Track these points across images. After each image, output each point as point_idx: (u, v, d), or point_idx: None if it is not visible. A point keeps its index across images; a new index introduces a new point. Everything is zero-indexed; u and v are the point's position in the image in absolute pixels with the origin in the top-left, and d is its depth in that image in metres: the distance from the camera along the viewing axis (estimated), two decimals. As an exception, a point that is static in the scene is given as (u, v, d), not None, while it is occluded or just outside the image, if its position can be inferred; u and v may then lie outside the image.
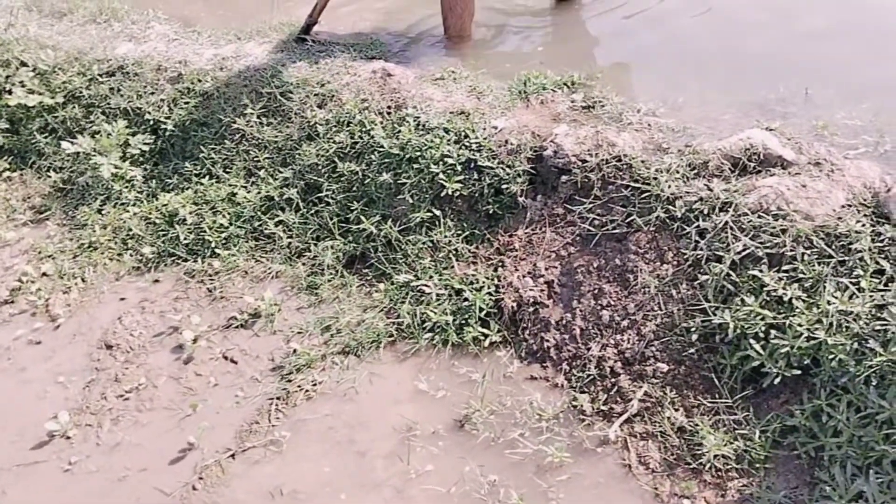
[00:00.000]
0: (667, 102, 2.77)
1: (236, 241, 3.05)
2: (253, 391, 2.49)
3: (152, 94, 3.63)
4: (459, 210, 2.78)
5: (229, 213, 3.11)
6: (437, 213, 2.76)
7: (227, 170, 3.28)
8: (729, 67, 2.98)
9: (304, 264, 2.90)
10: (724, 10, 3.45)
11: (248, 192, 3.15)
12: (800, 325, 1.97)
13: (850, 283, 1.99)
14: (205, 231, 3.08)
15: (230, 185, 3.20)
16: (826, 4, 3.31)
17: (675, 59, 3.13)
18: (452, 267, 2.66)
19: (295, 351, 2.55)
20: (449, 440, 2.22)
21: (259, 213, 3.07)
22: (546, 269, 2.55)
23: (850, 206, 2.14)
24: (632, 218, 2.42)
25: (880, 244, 2.03)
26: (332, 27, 3.76)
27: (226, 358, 2.66)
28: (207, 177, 3.30)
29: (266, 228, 3.03)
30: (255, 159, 3.23)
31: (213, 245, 3.05)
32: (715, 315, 2.13)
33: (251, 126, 3.29)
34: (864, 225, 2.07)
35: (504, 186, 2.70)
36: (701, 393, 2.13)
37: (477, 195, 2.74)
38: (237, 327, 2.75)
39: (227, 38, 3.83)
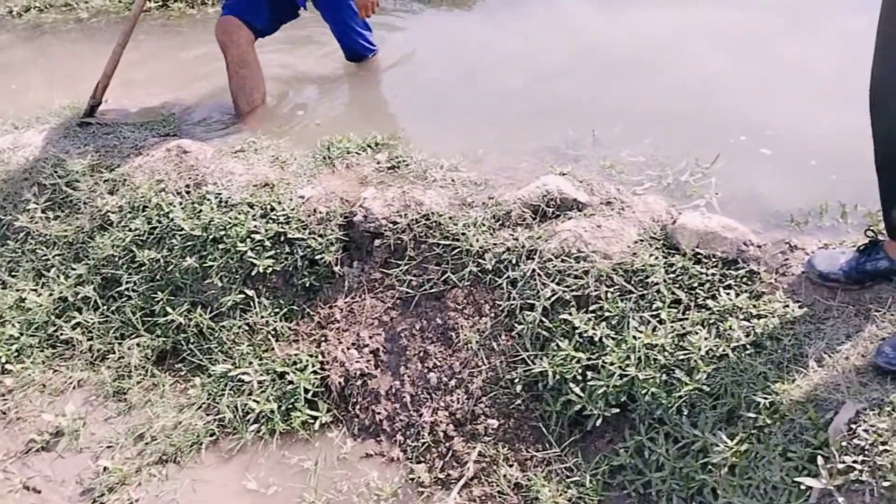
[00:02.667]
0: (468, 156, 2.81)
1: (30, 353, 2.75)
2: (61, 522, 2.23)
3: (-84, 198, 3.24)
4: (274, 286, 2.66)
5: (19, 322, 2.81)
6: (251, 293, 2.63)
7: (13, 273, 2.97)
8: (522, 116, 3.09)
9: (108, 368, 2.65)
10: (512, 61, 3.59)
11: (39, 295, 2.86)
12: (612, 363, 2.02)
13: (651, 316, 2.07)
14: (-8, 345, 2.76)
15: (17, 291, 2.89)
16: (599, 48, 3.54)
17: (471, 112, 3.20)
18: (272, 349, 2.53)
19: (105, 469, 2.31)
20: (284, 540, 2.08)
21: (53, 317, 2.79)
22: (370, 337, 2.49)
23: (642, 240, 2.24)
24: (447, 275, 2.40)
25: (673, 275, 2.13)
26: (119, 106, 3.55)
27: (27, 488, 2.36)
28: (-9, 284, 2.97)
29: (62, 333, 2.75)
30: (44, 258, 2.94)
31: (2, 360, 2.73)
32: (534, 363, 2.15)
33: (36, 222, 3.01)
34: (656, 258, 2.16)
35: (318, 257, 2.62)
36: (532, 444, 2.12)
37: (291, 269, 2.64)
38: (38, 451, 2.46)
39: (2, 129, 3.51)
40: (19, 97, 3.92)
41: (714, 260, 2.12)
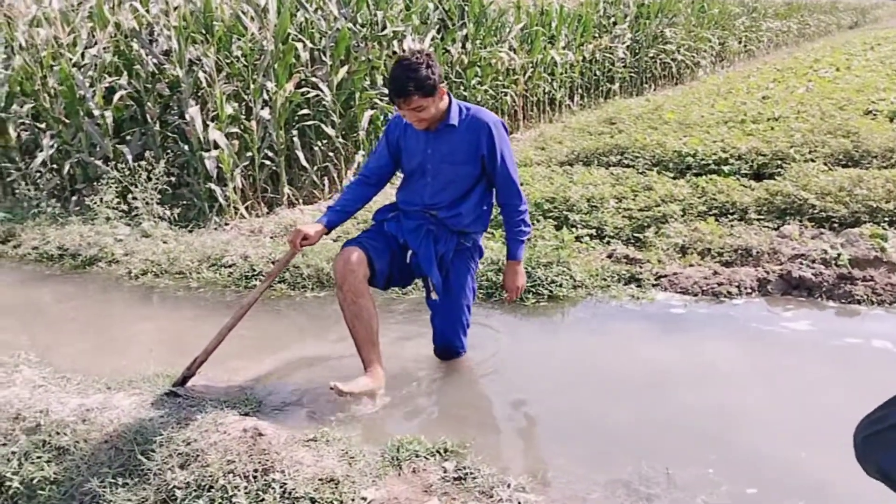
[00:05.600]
0: (536, 477, 2.77)
1: None
2: None
3: (3, 445, 3.37)
4: None
5: None
6: None
7: (70, 537, 2.96)
8: (595, 440, 3.07)
9: None
10: (593, 381, 3.67)
11: (88, 566, 2.81)
12: None
13: None
14: None
15: (69, 558, 2.86)
16: (692, 382, 3.57)
17: (545, 429, 3.22)
18: None
19: None
20: None
21: None
22: None
23: None
24: None
25: None
26: (208, 377, 3.73)
27: None
28: (45, 546, 2.95)
29: None
30: (103, 526, 2.94)
31: None
32: None
33: (104, 487, 3.05)
34: None
35: (371, 566, 2.52)
36: None
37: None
38: None
39: (96, 387, 3.70)
40: (119, 357, 4.18)
41: None
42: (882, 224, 5.20)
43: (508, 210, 3.66)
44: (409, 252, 3.63)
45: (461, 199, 3.58)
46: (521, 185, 3.70)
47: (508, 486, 2.71)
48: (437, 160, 3.52)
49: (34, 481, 3.20)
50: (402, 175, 3.77)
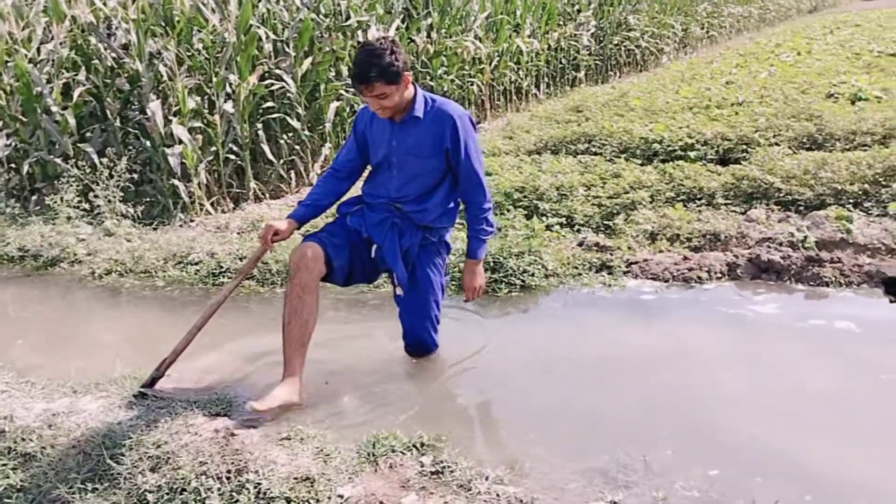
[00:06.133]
0: (513, 468, 2.76)
1: None
2: None
3: (-35, 455, 3.27)
4: None
5: None
6: None
7: (38, 547, 2.88)
8: (572, 430, 3.07)
9: None
10: (567, 370, 3.67)
11: (58, 575, 2.74)
12: None
13: None
14: None
15: (37, 567, 2.78)
16: (666, 368, 3.59)
17: (520, 419, 3.21)
18: None
19: None
20: None
21: None
22: None
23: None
24: None
25: None
26: (176, 378, 3.65)
27: None
28: (12, 556, 2.87)
29: None
30: (72, 534, 2.86)
31: None
32: None
33: (73, 493, 2.97)
34: None
35: (349, 565, 2.49)
36: None
37: (320, 575, 2.50)
38: None
39: (61, 391, 3.61)
40: (84, 359, 4.08)
41: None
42: (847, 206, 5.28)
43: (471, 207, 3.59)
44: (374, 246, 3.58)
45: (428, 194, 3.52)
46: (489, 175, 3.68)
47: (486, 478, 2.70)
48: (403, 152, 3.47)
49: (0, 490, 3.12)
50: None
